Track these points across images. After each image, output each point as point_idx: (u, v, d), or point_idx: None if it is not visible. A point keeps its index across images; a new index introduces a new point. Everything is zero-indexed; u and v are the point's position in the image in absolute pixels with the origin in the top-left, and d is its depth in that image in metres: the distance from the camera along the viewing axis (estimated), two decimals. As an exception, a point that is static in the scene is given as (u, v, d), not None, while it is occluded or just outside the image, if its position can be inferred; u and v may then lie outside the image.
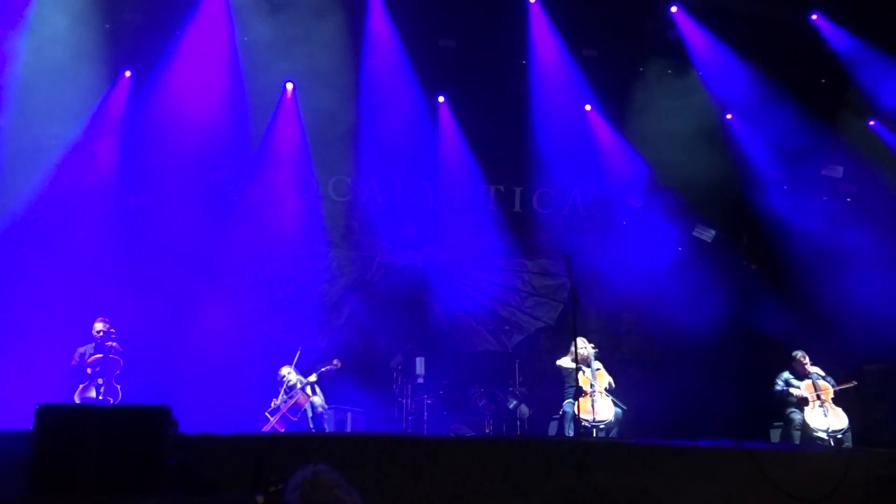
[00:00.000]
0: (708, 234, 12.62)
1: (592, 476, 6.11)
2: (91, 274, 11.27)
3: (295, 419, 10.22)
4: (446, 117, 12.68)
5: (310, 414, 10.39)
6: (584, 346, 9.78)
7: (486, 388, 11.32)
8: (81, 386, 10.20)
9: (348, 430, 10.73)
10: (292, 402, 10.29)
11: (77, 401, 9.94)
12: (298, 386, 10.42)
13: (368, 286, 12.57)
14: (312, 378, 10.48)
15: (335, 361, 10.69)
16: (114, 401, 10.04)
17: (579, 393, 8.89)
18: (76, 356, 10.28)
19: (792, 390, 10.25)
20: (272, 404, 10.37)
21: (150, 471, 5.55)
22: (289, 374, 10.55)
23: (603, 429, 9.84)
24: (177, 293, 11.39)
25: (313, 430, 10.20)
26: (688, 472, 6.22)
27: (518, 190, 13.07)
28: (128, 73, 12.01)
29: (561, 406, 10.11)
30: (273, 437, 7.24)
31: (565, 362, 10.09)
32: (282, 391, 10.47)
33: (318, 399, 10.59)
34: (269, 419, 10.24)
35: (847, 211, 12.32)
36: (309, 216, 12.38)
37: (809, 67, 12.25)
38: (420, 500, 5.94)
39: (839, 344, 11.18)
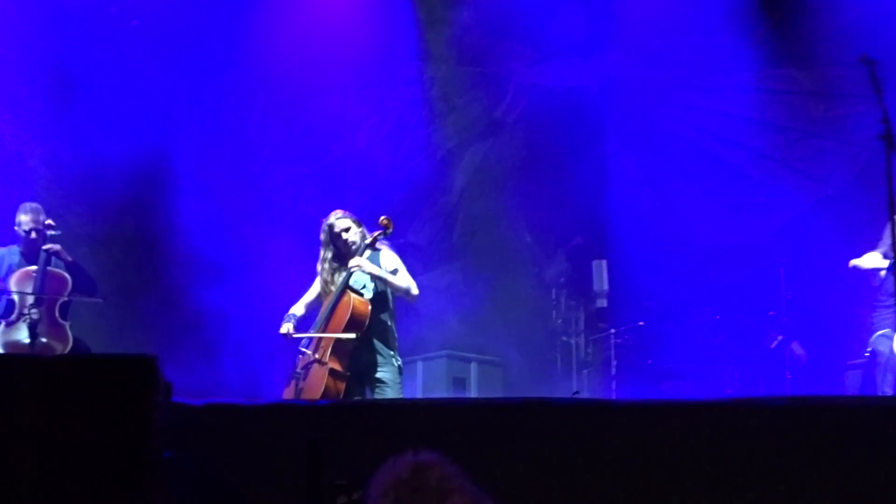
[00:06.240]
0: None
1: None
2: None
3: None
4: None
5: None
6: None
7: (721, 314, 8.49)
8: (3, 323, 6.89)
9: (470, 392, 8.43)
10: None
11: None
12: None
13: (499, 130, 9.53)
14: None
15: None
16: (62, 348, 7.12)
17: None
18: None
19: None
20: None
21: (127, 466, 3.51)
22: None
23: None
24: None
25: None
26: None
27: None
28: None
29: (868, 343, 7.12)
30: (331, 408, 4.68)
31: (872, 261, 6.99)
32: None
33: None
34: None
35: None
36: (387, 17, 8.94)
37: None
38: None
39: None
